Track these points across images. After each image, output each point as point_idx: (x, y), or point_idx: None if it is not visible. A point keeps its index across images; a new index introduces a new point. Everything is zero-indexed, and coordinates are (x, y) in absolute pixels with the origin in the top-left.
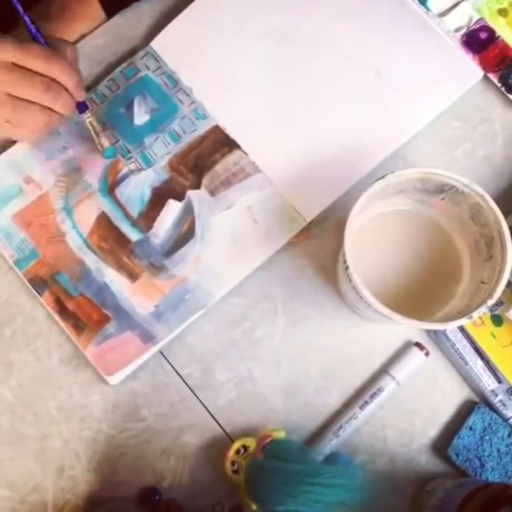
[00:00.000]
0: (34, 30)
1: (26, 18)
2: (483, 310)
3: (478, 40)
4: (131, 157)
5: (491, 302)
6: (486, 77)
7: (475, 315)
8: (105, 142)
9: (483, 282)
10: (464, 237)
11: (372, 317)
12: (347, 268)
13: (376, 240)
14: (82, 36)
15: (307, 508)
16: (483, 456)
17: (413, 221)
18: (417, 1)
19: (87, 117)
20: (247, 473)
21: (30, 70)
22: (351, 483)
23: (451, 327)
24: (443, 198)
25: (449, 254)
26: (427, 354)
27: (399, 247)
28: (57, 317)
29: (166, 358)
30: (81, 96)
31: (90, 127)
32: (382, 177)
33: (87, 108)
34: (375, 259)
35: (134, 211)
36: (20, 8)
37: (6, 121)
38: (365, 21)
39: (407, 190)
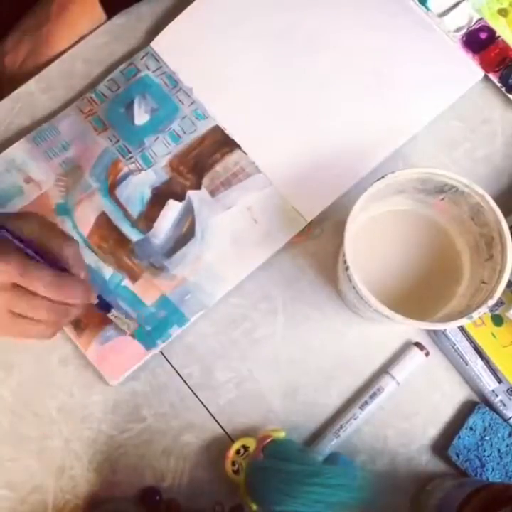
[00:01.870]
0: (32, 254)
1: (22, 245)
2: (483, 310)
3: (479, 40)
4: (131, 157)
5: (491, 302)
6: (486, 77)
7: (475, 315)
8: (132, 324)
9: (483, 282)
10: (464, 237)
11: (372, 317)
12: (347, 268)
13: (376, 240)
14: (82, 37)
15: (307, 508)
16: (484, 456)
17: (413, 221)
18: (417, 1)
19: (113, 315)
20: (247, 473)
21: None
22: (351, 483)
23: (451, 327)
24: (443, 198)
25: (449, 255)
26: (427, 354)
27: (399, 247)
28: None
29: (166, 358)
30: (93, 299)
31: (118, 322)
32: (382, 177)
33: (110, 307)
34: (375, 260)
35: (134, 211)
36: (14, 240)
37: (10, 335)
38: (364, 21)
39: (407, 191)
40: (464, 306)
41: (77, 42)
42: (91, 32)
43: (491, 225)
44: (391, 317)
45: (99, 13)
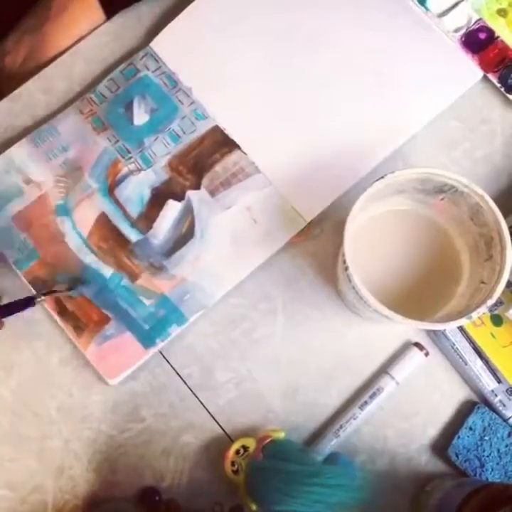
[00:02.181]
0: None
1: None
2: (482, 310)
3: (478, 41)
4: (130, 157)
5: (490, 302)
6: (485, 78)
7: (474, 315)
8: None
9: (482, 282)
10: (463, 237)
11: (372, 317)
12: (346, 268)
13: (376, 240)
14: (82, 37)
15: (307, 509)
16: (483, 456)
17: (413, 221)
18: (416, 1)
19: (41, 300)
20: (246, 473)
21: None
22: (351, 483)
23: (450, 327)
24: (442, 199)
25: (449, 255)
26: (426, 354)
27: (399, 247)
28: (57, 318)
29: (165, 358)
30: None
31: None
32: (382, 177)
33: (31, 300)
34: (375, 260)
35: (134, 211)
36: None
37: None
38: (364, 21)
39: (406, 191)
40: (464, 306)
41: (76, 42)
42: (90, 32)
43: (490, 225)
44: (390, 317)
45: (99, 13)
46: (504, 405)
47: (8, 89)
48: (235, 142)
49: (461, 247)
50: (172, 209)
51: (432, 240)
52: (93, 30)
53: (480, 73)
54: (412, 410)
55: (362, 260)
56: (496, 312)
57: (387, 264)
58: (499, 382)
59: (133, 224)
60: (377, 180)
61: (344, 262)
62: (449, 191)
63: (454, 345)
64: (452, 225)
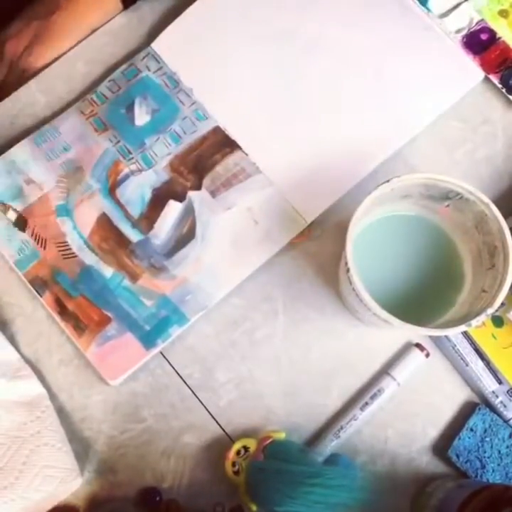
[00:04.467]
0: None
1: None
2: (482, 318)
3: (479, 42)
4: (131, 158)
5: (490, 311)
6: (486, 79)
7: (474, 323)
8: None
9: (484, 291)
10: (467, 245)
11: (371, 321)
12: (348, 270)
13: (379, 244)
14: (93, 30)
15: (307, 509)
16: (484, 457)
17: (417, 227)
18: (417, 2)
19: None
20: (247, 474)
21: None
22: (352, 484)
23: (449, 334)
24: (448, 205)
25: (452, 262)
26: (427, 355)
27: (402, 252)
28: (57, 318)
29: (166, 359)
30: None
31: None
32: (387, 181)
33: None
34: (377, 263)
35: (135, 212)
36: None
37: None
38: (365, 22)
39: (412, 196)
40: (464, 313)
41: (87, 36)
42: (104, 24)
43: (494, 234)
44: (389, 321)
45: (114, 2)
46: (505, 406)
47: (8, 81)
48: (236, 143)
49: (465, 254)
50: (173, 209)
51: (436, 247)
52: (107, 21)
53: (481, 74)
54: (412, 411)
55: (364, 263)
56: (497, 313)
57: (390, 268)
58: (500, 383)
59: (134, 224)
60: (382, 183)
61: (346, 263)
62: (455, 198)
63: (455, 346)
64: (456, 232)
